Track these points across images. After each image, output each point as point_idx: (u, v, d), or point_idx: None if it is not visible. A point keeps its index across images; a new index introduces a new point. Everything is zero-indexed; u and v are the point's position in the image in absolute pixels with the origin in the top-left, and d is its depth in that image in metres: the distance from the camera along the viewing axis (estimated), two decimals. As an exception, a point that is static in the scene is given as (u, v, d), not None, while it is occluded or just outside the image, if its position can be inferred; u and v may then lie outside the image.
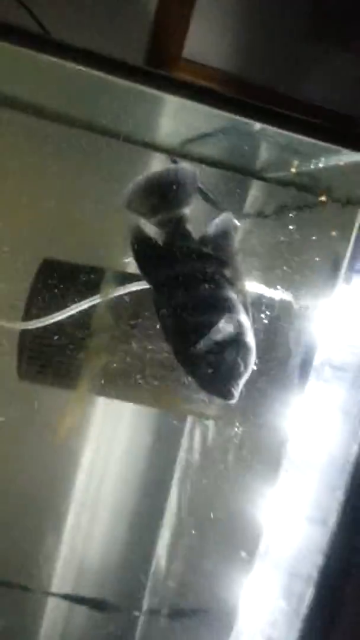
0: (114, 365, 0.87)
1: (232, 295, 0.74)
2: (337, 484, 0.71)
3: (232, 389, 0.71)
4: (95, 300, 0.86)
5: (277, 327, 0.78)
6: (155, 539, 1.12)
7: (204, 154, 0.99)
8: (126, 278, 0.88)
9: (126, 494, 1.19)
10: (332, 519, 0.71)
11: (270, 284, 0.82)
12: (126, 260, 1.06)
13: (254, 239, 0.93)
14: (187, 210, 0.79)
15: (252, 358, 0.73)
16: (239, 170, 0.98)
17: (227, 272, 0.75)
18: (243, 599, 0.77)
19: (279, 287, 0.81)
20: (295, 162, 0.83)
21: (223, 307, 0.72)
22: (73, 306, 0.87)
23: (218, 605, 0.82)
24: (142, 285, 0.84)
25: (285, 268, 0.82)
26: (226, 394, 0.71)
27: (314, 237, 0.81)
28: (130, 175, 1.05)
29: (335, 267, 0.73)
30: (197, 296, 0.73)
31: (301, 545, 0.73)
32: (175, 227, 0.78)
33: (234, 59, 1.18)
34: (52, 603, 1.18)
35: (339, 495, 0.71)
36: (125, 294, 0.87)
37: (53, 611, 1.18)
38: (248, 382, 0.76)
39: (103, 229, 1.02)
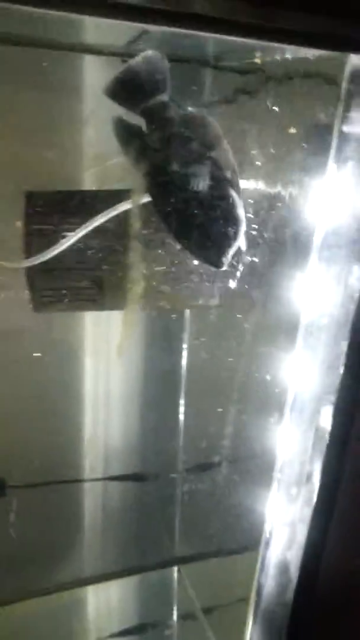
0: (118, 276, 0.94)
1: (220, 172, 0.83)
2: (340, 336, 0.87)
3: (222, 257, 0.84)
4: (95, 222, 0.90)
5: (273, 212, 0.88)
6: (177, 405, 1.25)
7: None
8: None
9: (137, 370, 1.28)
10: (339, 363, 0.89)
11: (258, 168, 0.89)
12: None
13: (231, 126, 0.96)
14: (166, 97, 0.85)
15: (242, 229, 0.85)
16: (190, 60, 0.99)
17: (213, 152, 0.83)
18: (279, 441, 0.96)
19: (269, 170, 0.89)
20: (256, 53, 0.86)
21: (212, 183, 0.82)
22: (72, 234, 0.91)
23: (257, 451, 1.00)
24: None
25: (272, 150, 0.89)
26: (216, 262, 0.84)
27: (292, 115, 0.86)
28: (85, 84, 1.03)
29: (322, 143, 0.79)
30: (186, 174, 0.81)
31: (318, 389, 0.91)
32: (158, 114, 0.84)
33: None
34: (89, 489, 1.32)
35: (343, 345, 0.88)
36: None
37: (92, 496, 1.33)
38: (255, 266, 0.88)
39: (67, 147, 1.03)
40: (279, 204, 0.88)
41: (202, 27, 0.67)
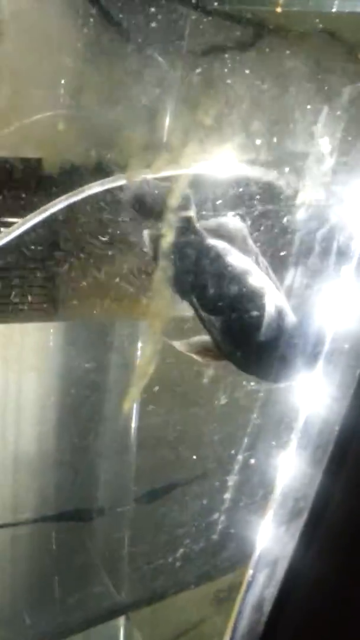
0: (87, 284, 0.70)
1: (263, 283, 0.75)
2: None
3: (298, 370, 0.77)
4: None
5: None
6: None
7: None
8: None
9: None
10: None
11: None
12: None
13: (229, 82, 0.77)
14: (192, 212, 0.81)
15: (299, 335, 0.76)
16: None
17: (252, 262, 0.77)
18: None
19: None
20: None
21: (259, 298, 0.74)
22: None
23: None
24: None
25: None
26: (294, 377, 0.78)
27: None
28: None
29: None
30: (231, 293, 0.74)
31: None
32: (185, 227, 0.79)
33: None
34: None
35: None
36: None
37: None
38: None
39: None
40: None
41: None
